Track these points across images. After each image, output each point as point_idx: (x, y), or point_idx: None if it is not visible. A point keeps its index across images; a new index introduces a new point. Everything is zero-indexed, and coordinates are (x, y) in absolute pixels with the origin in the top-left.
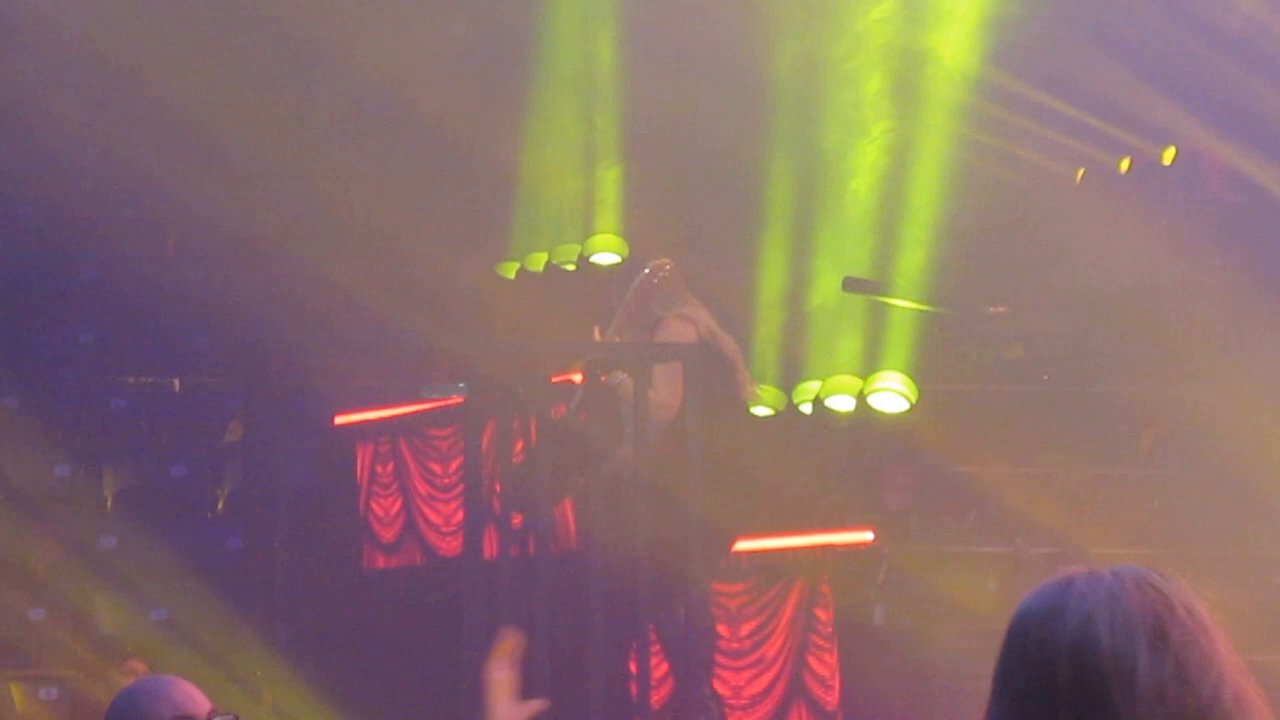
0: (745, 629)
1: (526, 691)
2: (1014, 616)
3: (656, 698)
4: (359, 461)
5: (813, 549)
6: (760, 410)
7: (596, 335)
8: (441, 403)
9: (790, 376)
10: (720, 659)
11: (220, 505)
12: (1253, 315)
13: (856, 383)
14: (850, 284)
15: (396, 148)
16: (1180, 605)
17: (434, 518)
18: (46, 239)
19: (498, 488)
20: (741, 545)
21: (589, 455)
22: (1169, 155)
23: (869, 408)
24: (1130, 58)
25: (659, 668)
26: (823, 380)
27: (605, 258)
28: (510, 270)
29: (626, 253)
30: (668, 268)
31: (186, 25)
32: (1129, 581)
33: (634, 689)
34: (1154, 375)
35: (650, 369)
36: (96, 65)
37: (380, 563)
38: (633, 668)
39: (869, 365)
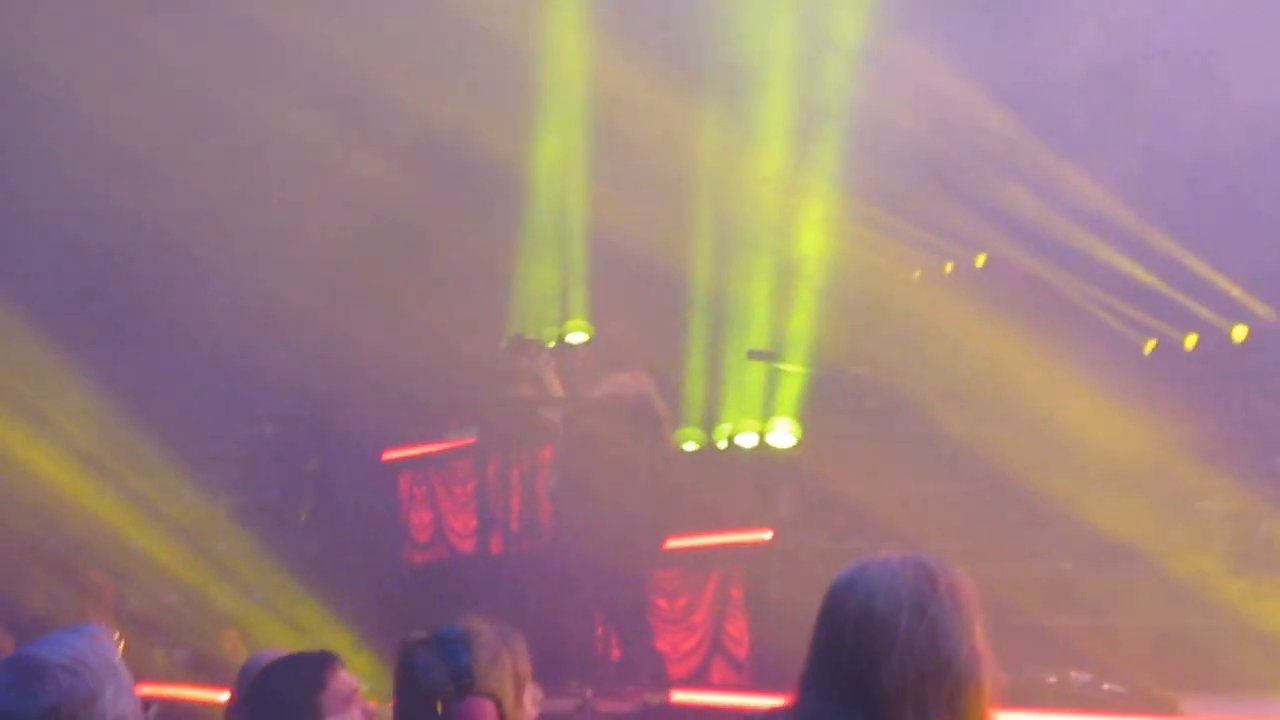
0: (679, 603)
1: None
2: (830, 585)
3: (616, 654)
4: (401, 485)
5: (727, 545)
6: (688, 445)
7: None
8: (460, 442)
9: (710, 420)
10: (660, 624)
11: (303, 518)
12: (1054, 376)
13: (758, 424)
14: (753, 354)
15: (431, 267)
16: (943, 585)
17: (456, 525)
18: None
19: (500, 501)
20: (674, 543)
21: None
22: (980, 260)
23: (767, 443)
24: (951, 189)
25: (617, 631)
26: (733, 423)
27: (576, 336)
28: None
29: (592, 331)
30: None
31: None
32: (909, 566)
33: (599, 647)
34: (972, 418)
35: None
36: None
37: (417, 558)
38: (599, 631)
39: (767, 412)
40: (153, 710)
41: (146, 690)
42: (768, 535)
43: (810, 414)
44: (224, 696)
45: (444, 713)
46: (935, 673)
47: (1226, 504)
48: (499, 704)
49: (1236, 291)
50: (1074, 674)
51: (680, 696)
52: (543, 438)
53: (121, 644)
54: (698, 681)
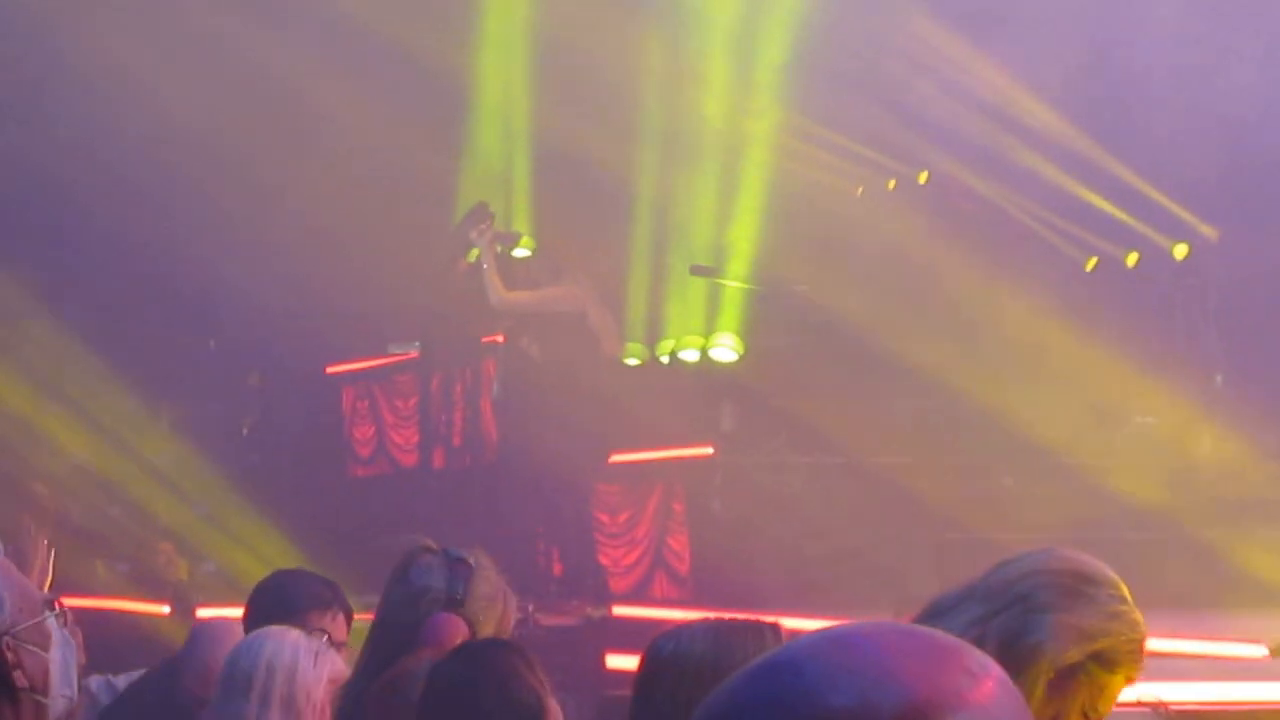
0: (621, 517)
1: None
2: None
3: (558, 569)
4: (344, 399)
5: (669, 459)
6: (631, 361)
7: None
8: (403, 356)
9: (653, 335)
10: (602, 539)
11: (245, 432)
12: (996, 292)
13: (700, 340)
14: (695, 269)
15: (373, 181)
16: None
17: (398, 439)
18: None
19: (443, 416)
20: (617, 457)
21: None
22: (923, 177)
23: (709, 358)
24: (893, 106)
25: (559, 546)
26: (676, 338)
27: (521, 252)
28: None
29: (534, 247)
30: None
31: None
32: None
33: (541, 561)
34: (914, 334)
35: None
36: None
37: (359, 472)
38: (541, 546)
39: (709, 327)
40: (47, 614)
41: (86, 603)
42: (709, 450)
43: (753, 330)
44: (164, 609)
45: (422, 615)
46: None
47: (1166, 421)
48: (473, 631)
49: (1178, 210)
50: None
51: (622, 611)
52: (485, 352)
53: (51, 554)
54: (639, 596)
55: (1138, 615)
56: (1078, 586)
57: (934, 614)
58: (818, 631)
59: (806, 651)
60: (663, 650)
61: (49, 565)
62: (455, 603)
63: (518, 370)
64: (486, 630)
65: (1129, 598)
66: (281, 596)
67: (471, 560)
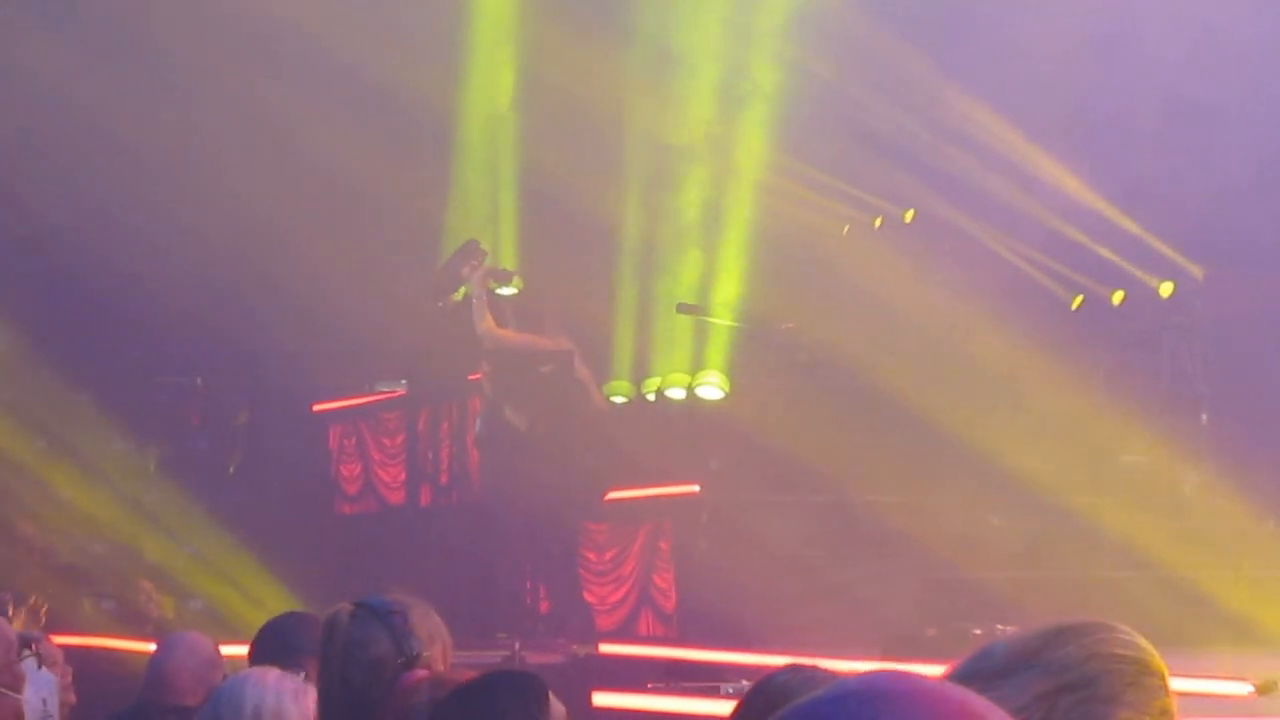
0: (608, 555)
1: (451, 600)
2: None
3: (545, 606)
4: (330, 437)
5: (655, 497)
6: (617, 399)
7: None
8: (390, 394)
9: (639, 373)
10: (589, 577)
11: (232, 470)
12: (982, 331)
13: (686, 378)
14: (681, 308)
15: (359, 219)
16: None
17: (385, 477)
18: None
19: (430, 454)
20: (605, 496)
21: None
22: (909, 215)
23: (696, 396)
24: (879, 145)
25: (545, 584)
26: (662, 376)
27: (507, 290)
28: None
29: (522, 285)
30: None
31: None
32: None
33: (528, 599)
34: (900, 372)
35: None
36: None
37: (347, 509)
38: (528, 583)
39: (695, 365)
40: (24, 655)
41: (73, 641)
42: (696, 488)
43: (739, 367)
44: (150, 647)
45: (387, 683)
46: None
47: (1152, 459)
48: (432, 671)
49: (1164, 249)
50: (1000, 627)
51: (608, 648)
52: (472, 389)
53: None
54: (625, 633)
55: (1175, 707)
56: (1139, 677)
57: (990, 674)
58: (844, 681)
59: (835, 704)
60: (777, 677)
61: (39, 609)
62: (414, 660)
63: (502, 407)
64: (439, 665)
65: (1169, 688)
66: (284, 643)
67: (398, 609)
